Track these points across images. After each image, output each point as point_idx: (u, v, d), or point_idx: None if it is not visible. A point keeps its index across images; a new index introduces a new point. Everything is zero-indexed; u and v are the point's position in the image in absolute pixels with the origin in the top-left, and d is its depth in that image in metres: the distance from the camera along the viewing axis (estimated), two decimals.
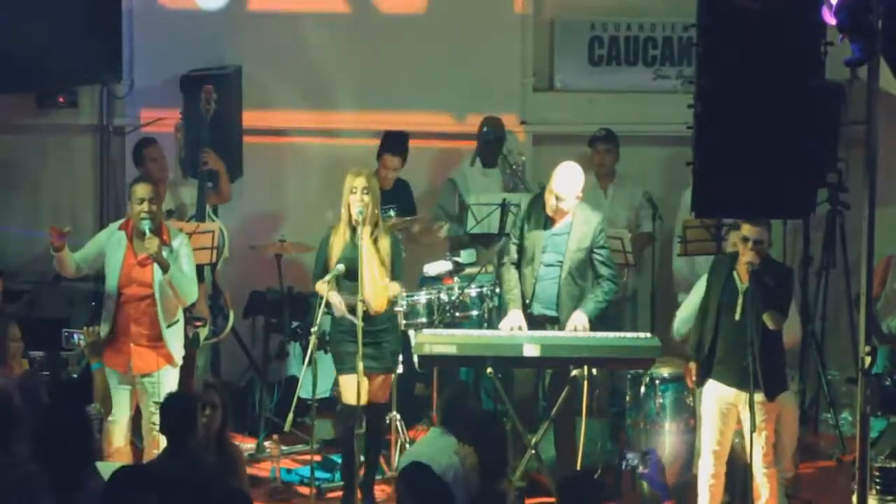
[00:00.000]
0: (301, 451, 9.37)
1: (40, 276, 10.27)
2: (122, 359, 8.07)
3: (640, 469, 8.55)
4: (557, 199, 8.50)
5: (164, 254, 7.99)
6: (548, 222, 8.61)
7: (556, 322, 8.63)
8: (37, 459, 6.26)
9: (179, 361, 8.23)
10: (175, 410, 7.03)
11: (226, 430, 7.49)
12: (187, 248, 8.22)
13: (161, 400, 7.99)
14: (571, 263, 8.60)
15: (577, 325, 8.48)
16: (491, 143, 10.19)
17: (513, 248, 8.70)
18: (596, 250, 8.63)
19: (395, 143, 9.88)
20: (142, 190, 8.02)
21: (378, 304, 8.33)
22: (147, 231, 7.93)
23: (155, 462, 7.18)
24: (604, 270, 8.64)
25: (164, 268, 7.97)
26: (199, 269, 9.26)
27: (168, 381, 8.13)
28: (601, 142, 10.14)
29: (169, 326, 8.11)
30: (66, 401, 7.15)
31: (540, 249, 8.61)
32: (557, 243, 8.61)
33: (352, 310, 8.24)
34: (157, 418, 7.99)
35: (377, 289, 8.30)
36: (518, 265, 8.68)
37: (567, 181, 8.52)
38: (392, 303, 8.56)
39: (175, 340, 8.18)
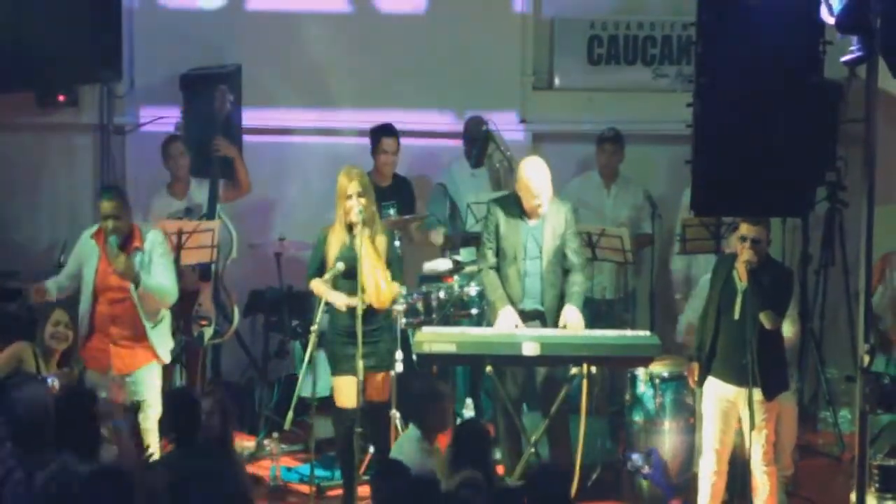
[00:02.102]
0: (300, 449, 9.39)
1: (38, 275, 10.27)
2: (101, 360, 8.07)
3: (645, 469, 8.61)
4: (536, 198, 8.51)
5: (136, 258, 7.97)
6: (524, 218, 8.62)
7: (542, 314, 8.64)
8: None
9: (166, 358, 8.23)
10: (177, 407, 7.04)
11: (227, 434, 7.47)
12: (162, 246, 8.18)
13: (143, 399, 8.04)
14: (549, 254, 8.62)
15: (575, 323, 8.49)
16: (477, 143, 10.18)
17: (489, 254, 8.68)
18: (568, 237, 8.66)
19: (386, 128, 9.91)
20: (107, 206, 7.99)
21: (382, 301, 8.32)
22: (114, 247, 7.91)
23: (164, 458, 7.19)
24: (576, 259, 8.67)
25: (136, 283, 7.97)
26: (206, 267, 9.30)
27: (150, 379, 8.14)
28: (609, 142, 10.12)
29: (154, 326, 8.12)
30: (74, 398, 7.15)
31: (521, 246, 8.61)
32: (535, 237, 8.63)
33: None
34: (140, 416, 8.04)
35: (380, 287, 8.29)
36: (498, 268, 8.67)
37: (542, 180, 8.53)
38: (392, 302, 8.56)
39: (162, 340, 8.17)
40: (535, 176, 8.53)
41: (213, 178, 9.55)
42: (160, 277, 8.09)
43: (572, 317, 8.51)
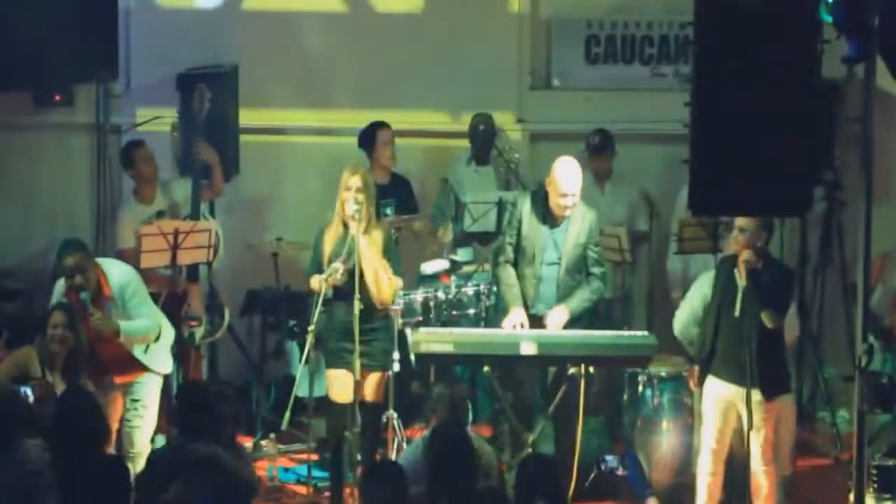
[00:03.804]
0: (298, 449, 9.37)
1: (36, 275, 10.28)
2: (99, 380, 7.96)
3: (619, 471, 8.63)
4: (565, 197, 8.47)
5: (111, 308, 7.92)
6: (547, 221, 8.59)
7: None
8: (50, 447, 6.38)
9: (165, 370, 8.21)
10: (188, 399, 7.04)
11: (233, 440, 7.45)
12: (131, 283, 8.05)
13: (139, 398, 8.03)
14: (569, 260, 8.60)
15: (556, 323, 8.48)
16: (483, 141, 10.18)
17: (508, 248, 8.66)
18: (590, 247, 8.63)
19: (378, 122, 9.89)
20: (70, 261, 7.86)
21: (384, 297, 8.29)
22: (88, 305, 7.81)
23: (170, 450, 7.19)
24: (595, 269, 8.65)
25: (116, 334, 7.92)
26: (195, 268, 9.28)
27: (149, 385, 8.14)
28: (597, 150, 10.11)
29: (147, 351, 8.10)
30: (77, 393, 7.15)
31: (540, 249, 8.59)
32: (556, 241, 8.60)
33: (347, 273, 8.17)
34: (132, 414, 8.03)
35: (382, 283, 8.25)
36: (516, 265, 8.66)
37: (573, 179, 8.49)
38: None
39: (158, 359, 8.15)
40: (565, 174, 8.48)
41: (195, 178, 9.50)
42: (139, 317, 8.03)
43: (553, 316, 8.49)
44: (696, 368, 8.11)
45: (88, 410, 6.75)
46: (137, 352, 8.07)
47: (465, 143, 10.36)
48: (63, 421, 6.62)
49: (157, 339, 8.17)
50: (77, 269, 7.86)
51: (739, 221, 7.83)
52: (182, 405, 7.09)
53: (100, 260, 8.19)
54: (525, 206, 8.64)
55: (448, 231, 9.83)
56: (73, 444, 6.49)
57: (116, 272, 8.08)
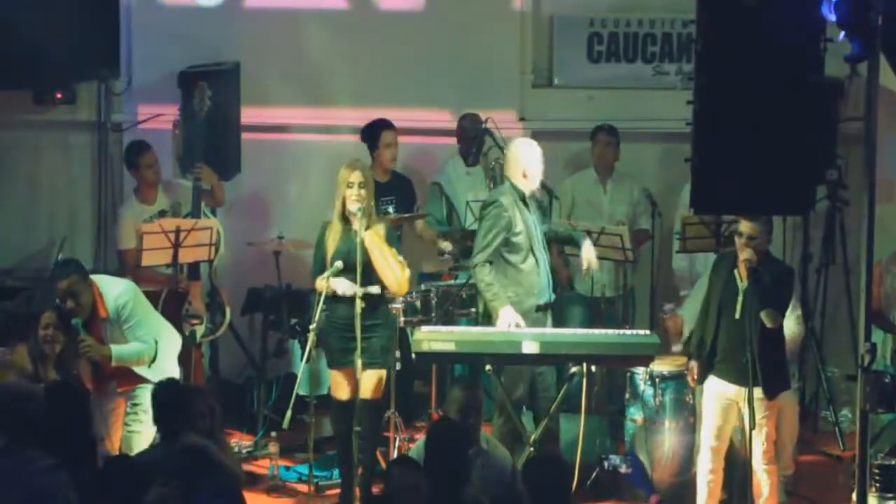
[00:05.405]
0: (299, 448, 9.35)
1: (36, 273, 10.27)
2: (103, 387, 7.94)
3: (623, 470, 8.62)
4: (540, 172, 8.53)
5: (106, 330, 7.82)
6: (527, 208, 8.60)
7: (551, 306, 8.68)
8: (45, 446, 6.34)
9: (171, 374, 8.13)
10: (165, 399, 7.00)
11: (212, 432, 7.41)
12: (126, 304, 7.90)
13: (140, 402, 7.99)
14: (544, 236, 8.69)
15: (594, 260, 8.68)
16: (472, 140, 10.15)
17: (490, 251, 8.52)
18: None
19: (382, 122, 9.88)
20: (64, 284, 7.70)
21: (402, 284, 8.31)
22: (81, 331, 7.69)
23: (150, 451, 7.16)
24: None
25: (108, 360, 7.81)
26: (196, 266, 9.27)
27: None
28: (603, 133, 10.13)
29: (151, 365, 7.99)
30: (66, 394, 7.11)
31: (535, 238, 8.58)
32: (536, 222, 8.63)
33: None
34: (131, 418, 7.99)
35: (396, 273, 8.24)
36: (512, 263, 8.59)
37: (537, 150, 8.58)
38: (388, 300, 8.53)
39: (162, 372, 7.96)
40: (529, 148, 8.57)
41: (196, 179, 9.48)
42: (135, 339, 7.91)
43: (588, 249, 8.69)
44: (694, 365, 8.09)
45: (76, 403, 6.72)
46: (142, 369, 7.99)
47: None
48: (52, 415, 6.57)
49: (154, 359, 8.00)
50: (68, 294, 7.71)
51: (747, 229, 7.73)
52: (155, 406, 7.04)
53: (97, 278, 8.03)
54: (507, 201, 8.56)
55: (448, 244, 9.76)
56: (64, 437, 6.46)
57: (113, 292, 7.92)
